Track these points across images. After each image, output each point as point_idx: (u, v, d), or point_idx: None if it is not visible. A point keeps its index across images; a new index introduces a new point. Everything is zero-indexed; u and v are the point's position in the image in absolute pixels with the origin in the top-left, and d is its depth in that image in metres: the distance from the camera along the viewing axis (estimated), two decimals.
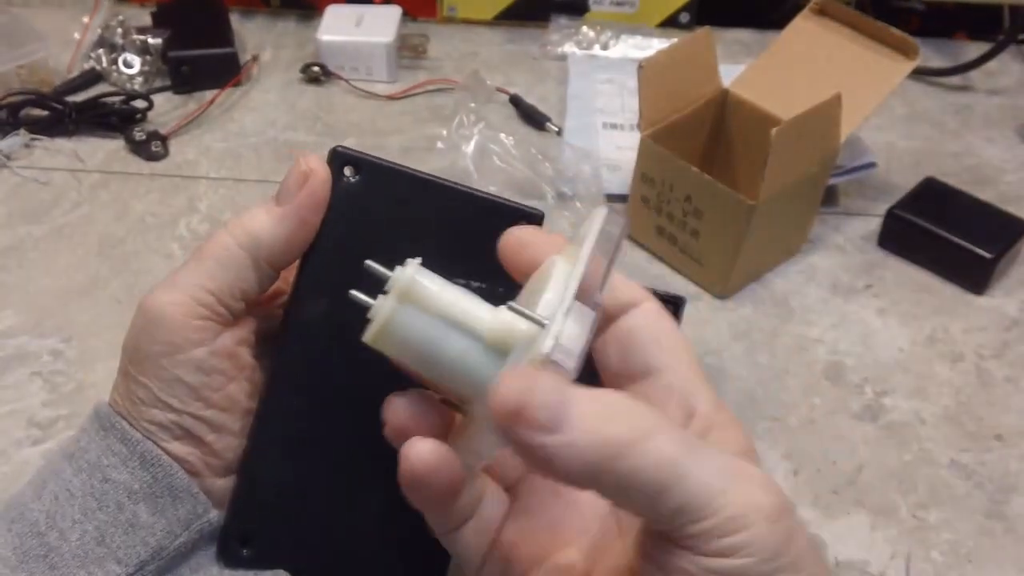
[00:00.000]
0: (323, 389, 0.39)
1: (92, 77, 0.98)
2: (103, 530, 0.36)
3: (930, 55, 1.06)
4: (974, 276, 0.78)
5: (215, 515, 0.38)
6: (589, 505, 0.36)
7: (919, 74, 1.03)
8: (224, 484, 0.39)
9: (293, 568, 0.40)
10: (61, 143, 0.91)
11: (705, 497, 0.29)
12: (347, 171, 0.38)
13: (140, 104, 0.93)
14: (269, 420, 0.39)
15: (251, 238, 0.37)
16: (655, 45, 1.05)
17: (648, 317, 0.34)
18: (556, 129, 0.94)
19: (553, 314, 0.29)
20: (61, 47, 1.00)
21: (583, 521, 0.36)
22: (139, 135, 0.90)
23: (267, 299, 0.40)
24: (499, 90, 0.98)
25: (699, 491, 0.29)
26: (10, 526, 0.36)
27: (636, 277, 0.36)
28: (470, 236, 0.37)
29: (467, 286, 0.34)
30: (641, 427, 0.28)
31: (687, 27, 1.09)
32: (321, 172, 0.37)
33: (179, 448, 0.37)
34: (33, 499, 0.37)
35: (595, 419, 0.27)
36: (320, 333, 0.38)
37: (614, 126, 0.94)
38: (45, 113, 0.92)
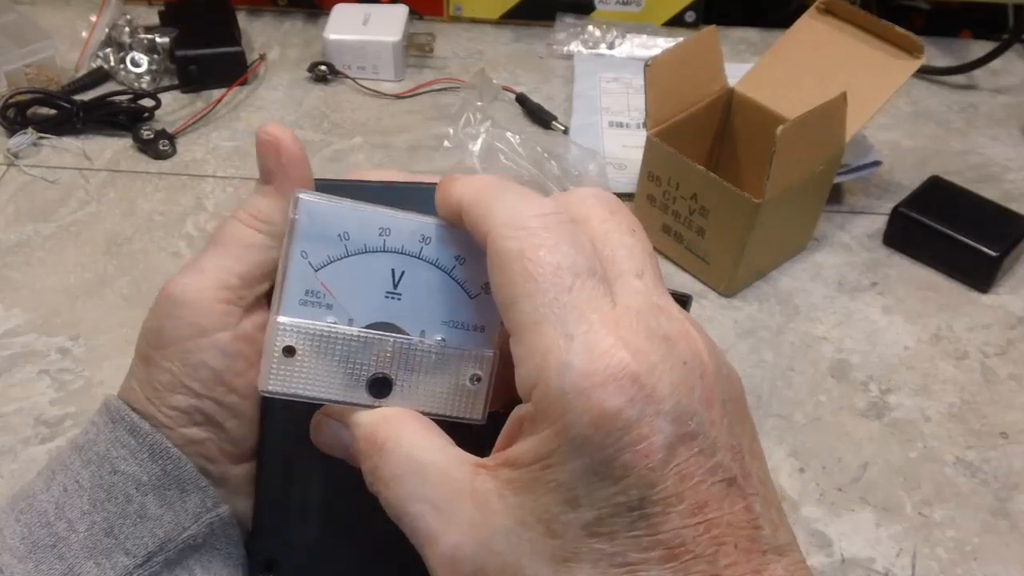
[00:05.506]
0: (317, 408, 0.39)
1: (100, 76, 0.98)
2: (111, 521, 0.36)
3: (935, 54, 1.06)
4: (979, 274, 0.78)
5: (225, 510, 0.38)
6: None
7: (924, 73, 1.03)
8: (240, 472, 0.39)
9: None
10: (69, 142, 0.91)
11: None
12: None
13: (148, 103, 0.93)
14: (272, 445, 0.39)
15: (261, 220, 0.37)
16: (661, 44, 1.06)
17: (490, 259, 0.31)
18: (562, 128, 0.94)
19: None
20: (69, 46, 1.00)
21: None
22: (147, 134, 0.90)
23: None
24: (505, 89, 0.99)
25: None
26: (19, 516, 0.36)
27: None
28: None
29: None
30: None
31: (693, 26, 1.09)
32: (285, 132, 0.37)
33: (197, 433, 0.37)
34: (42, 490, 0.37)
35: None
36: None
37: (620, 125, 0.94)
38: (53, 112, 0.92)
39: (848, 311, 0.77)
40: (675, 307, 0.31)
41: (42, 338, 0.72)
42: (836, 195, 0.86)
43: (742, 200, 0.71)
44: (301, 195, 0.34)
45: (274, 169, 0.37)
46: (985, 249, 0.77)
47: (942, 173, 0.85)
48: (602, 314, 0.29)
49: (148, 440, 0.36)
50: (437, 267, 0.35)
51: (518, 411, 0.30)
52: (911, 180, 0.85)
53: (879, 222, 0.84)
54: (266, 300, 0.38)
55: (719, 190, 0.72)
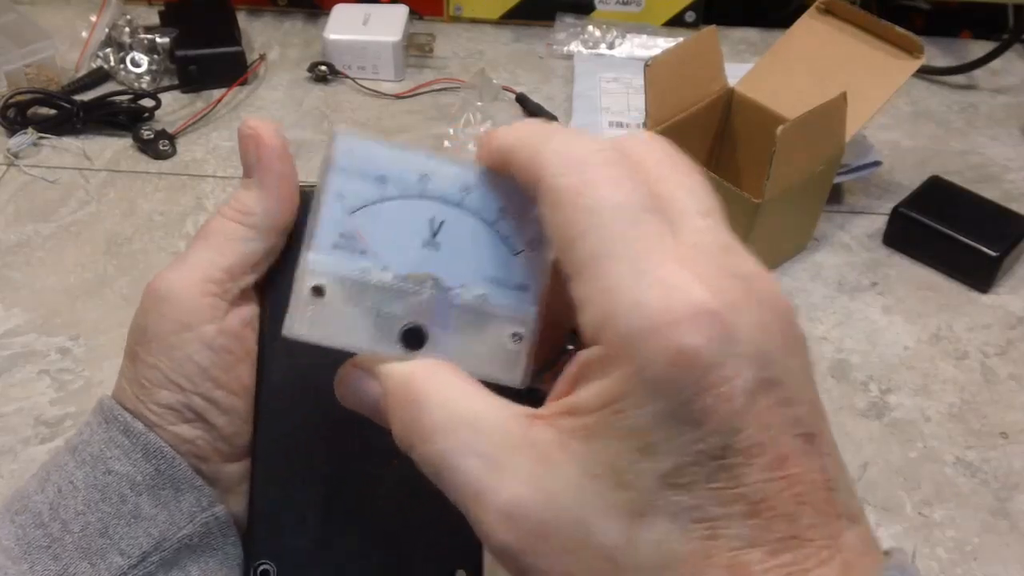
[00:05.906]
0: (311, 410, 0.38)
1: (100, 76, 0.98)
2: (106, 522, 0.36)
3: (935, 54, 1.05)
4: (979, 274, 0.78)
5: (221, 509, 0.38)
6: None
7: (924, 73, 1.02)
8: (234, 471, 0.38)
9: None
10: (69, 142, 0.91)
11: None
12: None
13: (148, 103, 0.93)
14: (265, 452, 0.38)
15: (245, 214, 0.37)
16: (661, 44, 1.06)
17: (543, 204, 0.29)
18: None
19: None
20: (69, 46, 1.00)
21: None
22: (147, 134, 0.90)
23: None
24: (505, 89, 0.99)
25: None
26: (13, 517, 0.36)
27: None
28: None
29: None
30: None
31: (693, 26, 1.09)
32: (266, 126, 0.37)
33: (188, 431, 0.37)
34: (36, 491, 0.37)
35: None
36: (298, 349, 0.35)
37: (620, 125, 0.94)
38: (53, 112, 0.92)
39: (848, 311, 0.77)
40: (745, 249, 0.29)
41: (42, 338, 0.72)
42: (836, 195, 0.86)
43: (742, 200, 0.71)
44: (338, 130, 0.33)
45: (254, 163, 0.37)
46: (985, 249, 0.77)
47: (942, 173, 0.85)
48: (672, 250, 0.27)
49: (142, 440, 0.36)
50: (479, 218, 0.33)
51: (581, 356, 0.28)
52: (911, 180, 0.85)
53: (879, 222, 0.84)
54: (252, 293, 0.38)
55: (719, 190, 0.71)
